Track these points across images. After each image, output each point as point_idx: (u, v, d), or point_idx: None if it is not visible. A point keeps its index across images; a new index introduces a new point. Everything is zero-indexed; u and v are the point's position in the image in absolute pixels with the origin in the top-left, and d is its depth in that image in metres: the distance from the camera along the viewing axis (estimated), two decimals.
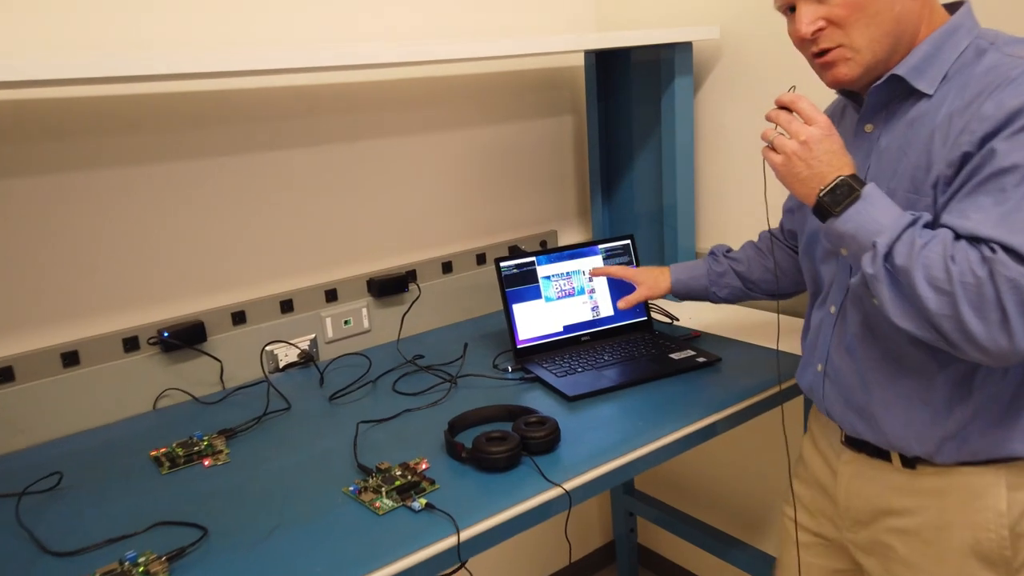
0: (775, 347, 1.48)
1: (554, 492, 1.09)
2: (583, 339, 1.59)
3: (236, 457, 1.23)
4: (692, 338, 1.60)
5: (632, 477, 1.20)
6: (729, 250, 1.47)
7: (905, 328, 0.92)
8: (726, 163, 1.84)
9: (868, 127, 1.06)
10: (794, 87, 1.03)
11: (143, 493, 1.14)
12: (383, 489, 1.08)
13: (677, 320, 1.71)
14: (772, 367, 1.42)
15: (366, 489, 1.09)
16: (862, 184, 0.95)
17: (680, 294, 1.48)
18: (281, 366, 1.60)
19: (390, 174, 1.75)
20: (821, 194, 0.97)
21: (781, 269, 1.37)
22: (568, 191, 2.09)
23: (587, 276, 1.61)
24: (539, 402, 1.35)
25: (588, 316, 1.60)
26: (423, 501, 1.04)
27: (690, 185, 1.84)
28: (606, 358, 1.49)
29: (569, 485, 1.10)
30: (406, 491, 1.07)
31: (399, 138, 1.75)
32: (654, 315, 1.72)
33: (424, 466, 1.14)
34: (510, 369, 1.50)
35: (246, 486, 1.14)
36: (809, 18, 0.99)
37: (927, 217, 0.93)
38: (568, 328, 1.58)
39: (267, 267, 1.60)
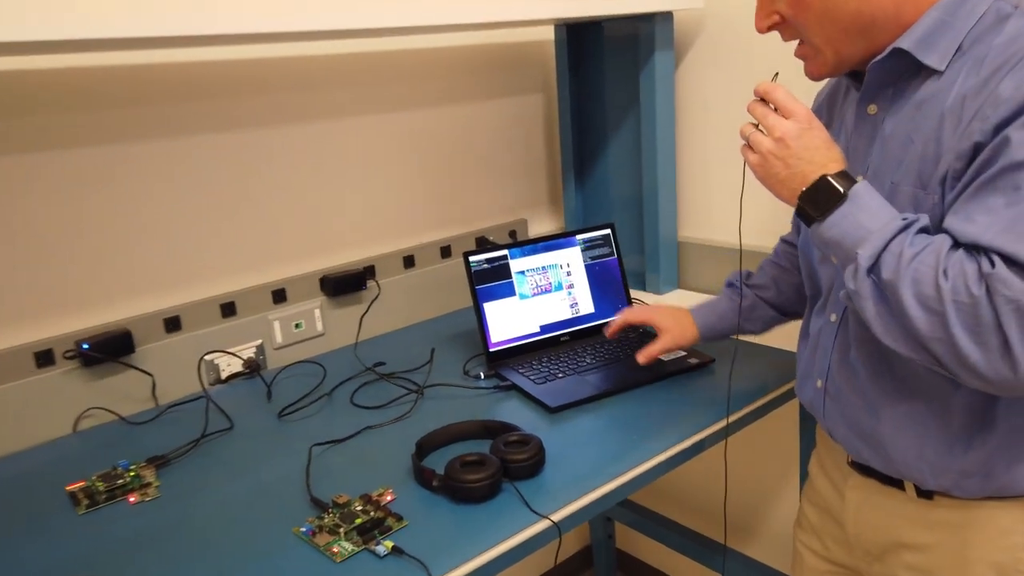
0: (775, 345, 1.35)
1: (541, 525, 0.94)
2: (562, 339, 1.44)
3: (168, 491, 1.06)
4: None
5: (625, 498, 1.06)
6: (749, 275, 1.26)
7: (896, 350, 0.80)
8: (710, 144, 1.70)
9: (871, 108, 0.92)
10: (777, 74, 0.91)
11: (54, 539, 0.96)
12: (341, 529, 0.91)
13: None
14: (771, 368, 1.29)
15: (321, 529, 0.92)
16: (851, 182, 0.82)
17: (709, 340, 1.27)
18: (224, 377, 1.42)
19: (345, 158, 1.57)
20: (801, 196, 0.84)
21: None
22: (539, 176, 1.93)
23: (566, 271, 1.46)
24: (517, 414, 1.20)
25: (567, 314, 1.45)
26: (389, 544, 0.88)
27: (671, 168, 1.70)
28: (588, 361, 1.35)
29: (558, 516, 0.95)
30: (368, 531, 0.91)
31: (355, 118, 1.57)
32: None
33: (389, 498, 0.98)
34: (483, 376, 1.34)
35: (178, 528, 0.97)
36: (763, 12, 0.91)
37: (923, 221, 0.80)
38: (545, 328, 1.43)
39: (205, 265, 1.42)
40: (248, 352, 1.46)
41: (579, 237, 1.48)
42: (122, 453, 1.17)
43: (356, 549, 0.88)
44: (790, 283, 1.21)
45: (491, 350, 1.38)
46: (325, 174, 1.55)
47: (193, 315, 1.39)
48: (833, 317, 0.97)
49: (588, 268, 1.48)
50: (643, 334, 1.45)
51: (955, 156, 0.79)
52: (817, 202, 0.83)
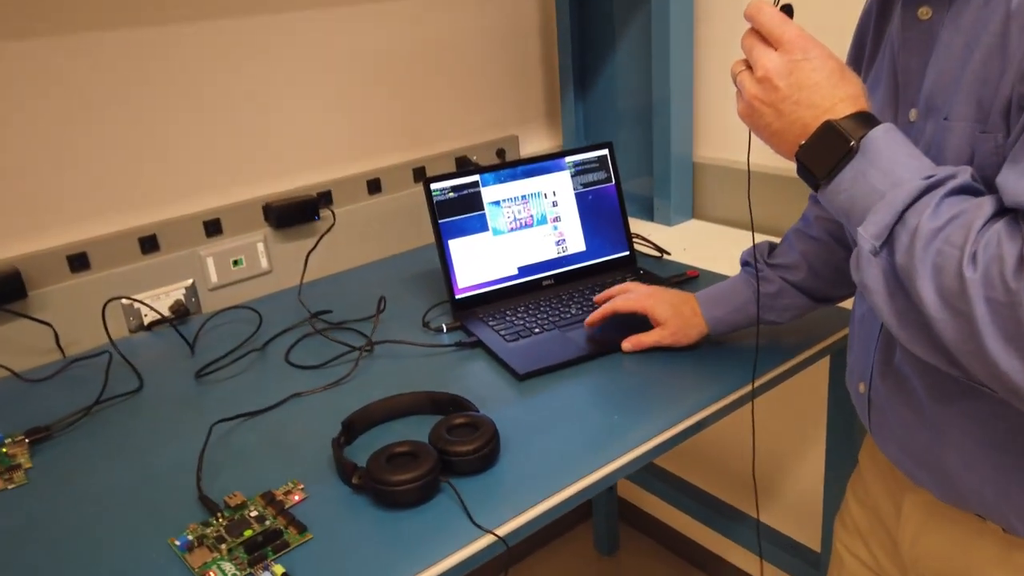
0: None
1: (485, 540, 0.73)
2: (545, 284, 1.20)
3: (38, 476, 0.86)
4: (687, 280, 1.21)
5: (600, 492, 0.85)
6: (772, 249, 0.98)
7: (929, 362, 0.58)
8: (736, 45, 1.40)
9: (923, 11, 0.65)
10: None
11: None
12: (224, 545, 0.71)
13: (668, 254, 1.32)
14: (797, 322, 1.04)
15: (201, 542, 0.72)
16: (866, 128, 0.58)
17: (721, 335, 1.01)
18: (147, 323, 1.21)
19: (297, 59, 1.30)
20: (800, 152, 0.61)
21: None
22: (532, 85, 1.64)
23: (551, 201, 1.20)
24: (480, 380, 0.98)
25: (552, 253, 1.21)
26: (278, 570, 0.67)
27: (688, 74, 1.41)
28: (574, 312, 1.11)
29: (506, 528, 0.74)
30: (260, 546, 0.70)
31: (311, 11, 1.29)
32: (639, 247, 1.33)
33: (296, 498, 0.77)
34: (445, 329, 1.12)
35: (29, 530, 0.77)
36: None
37: (962, 177, 0.56)
38: (524, 270, 1.19)
39: (117, 192, 1.18)
40: (176, 294, 1.24)
41: (568, 160, 1.22)
42: (3, 419, 0.97)
43: (238, 575, 0.68)
44: (826, 260, 0.92)
45: (457, 297, 1.15)
46: (272, 78, 1.28)
47: (104, 251, 1.17)
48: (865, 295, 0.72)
49: (579, 197, 1.22)
50: (640, 275, 1.20)
51: (1022, 75, 0.54)
52: (820, 158, 0.60)
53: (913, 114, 0.66)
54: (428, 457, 0.76)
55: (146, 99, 1.17)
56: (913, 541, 0.77)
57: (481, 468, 0.79)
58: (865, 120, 0.59)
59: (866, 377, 0.74)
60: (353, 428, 0.87)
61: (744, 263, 0.99)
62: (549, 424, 0.87)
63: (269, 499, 0.77)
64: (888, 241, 0.56)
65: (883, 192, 0.56)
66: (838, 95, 0.60)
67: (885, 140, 0.57)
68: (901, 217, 0.55)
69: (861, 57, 0.79)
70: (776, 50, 0.62)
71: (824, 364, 1.26)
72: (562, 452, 0.83)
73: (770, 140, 0.64)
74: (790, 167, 1.15)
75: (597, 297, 1.08)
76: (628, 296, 1.01)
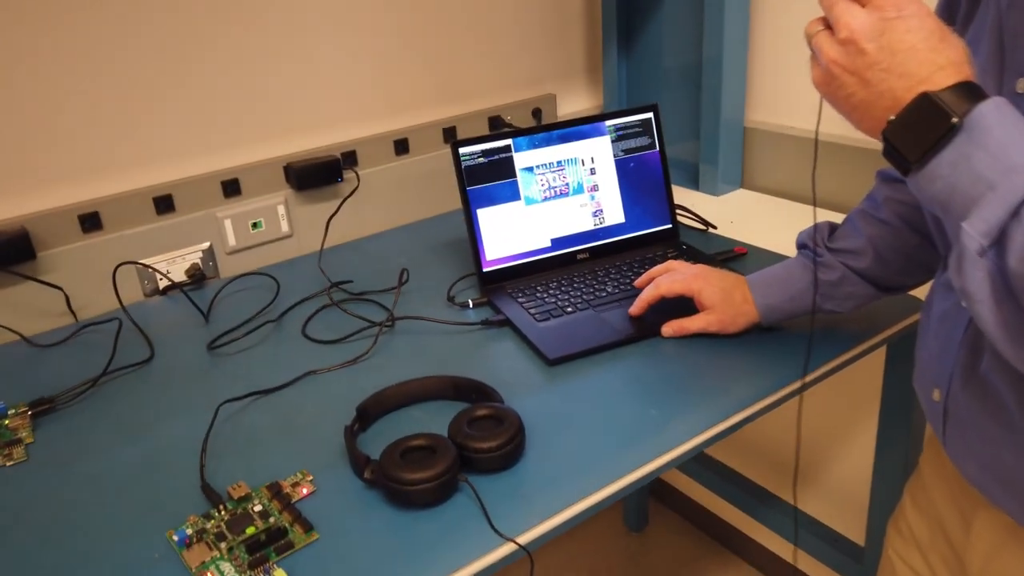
0: None
1: (505, 548, 0.66)
2: (580, 258, 1.12)
3: (39, 451, 0.82)
4: (735, 257, 1.12)
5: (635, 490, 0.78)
6: (832, 231, 0.87)
7: None
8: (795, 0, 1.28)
9: None
10: None
11: None
12: (224, 544, 0.66)
13: (715, 228, 1.23)
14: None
15: (201, 537, 0.67)
16: (972, 102, 0.48)
17: (773, 324, 0.91)
18: (162, 287, 1.16)
19: (321, 8, 1.22)
20: (888, 129, 0.51)
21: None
22: (572, 39, 1.54)
23: (589, 168, 1.11)
24: (505, 362, 0.91)
25: (588, 225, 1.12)
26: (280, 575, 0.62)
27: (743, 29, 1.29)
28: (610, 290, 1.03)
29: (529, 536, 0.67)
30: (263, 546, 0.65)
31: None
32: (683, 219, 1.24)
33: (305, 491, 0.72)
34: (471, 304, 1.05)
35: (26, 512, 0.73)
36: None
37: None
38: (558, 243, 1.11)
39: (132, 149, 1.12)
40: (193, 256, 1.18)
41: (609, 123, 1.12)
42: (10, 387, 0.93)
43: None
44: (896, 247, 0.82)
45: (485, 271, 1.07)
46: (294, 28, 1.20)
47: (117, 211, 1.11)
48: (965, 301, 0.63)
49: (619, 165, 1.13)
50: (683, 250, 1.11)
51: None
52: (913, 137, 0.50)
53: (1021, 84, 0.56)
54: (446, 453, 0.70)
55: (160, 49, 1.10)
56: (985, 563, 0.69)
57: (504, 466, 0.73)
58: (970, 92, 0.49)
59: (943, 384, 0.66)
60: (368, 414, 0.81)
61: (801, 246, 0.90)
62: (579, 416, 0.80)
63: (275, 491, 0.71)
64: (999, 240, 0.47)
65: (992, 181, 0.47)
66: (938, 61, 0.50)
67: (996, 117, 0.48)
68: (1017, 212, 0.46)
69: (954, 14, 0.68)
70: (863, 6, 0.52)
71: (880, 350, 1.16)
72: (592, 449, 0.76)
73: (851, 114, 0.54)
74: (856, 135, 1.05)
75: (638, 281, 0.99)
76: (674, 277, 0.93)
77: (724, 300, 0.89)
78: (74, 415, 0.88)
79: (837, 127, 1.16)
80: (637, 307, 0.94)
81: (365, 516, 0.69)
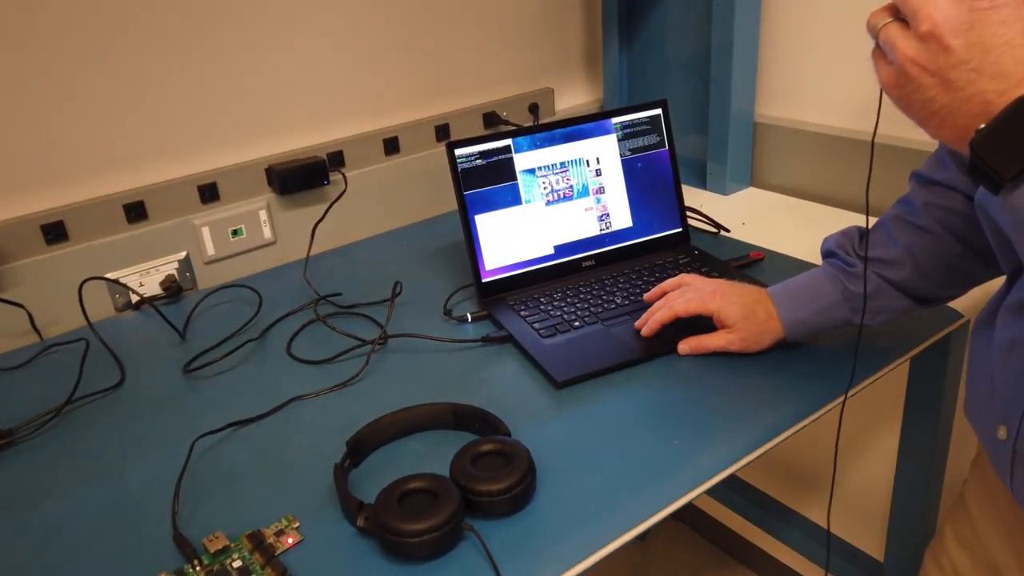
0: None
1: None
2: (585, 265, 1.04)
3: None
4: (751, 263, 1.05)
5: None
6: (862, 235, 0.80)
7: None
8: None
9: None
10: None
11: None
12: None
13: (728, 231, 1.15)
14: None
15: None
16: None
17: (799, 339, 0.84)
18: (135, 301, 1.08)
19: (302, 0, 1.13)
20: (977, 141, 0.44)
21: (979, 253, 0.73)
22: (570, 29, 1.45)
23: (594, 169, 1.03)
24: (509, 385, 0.83)
25: (594, 230, 1.04)
26: None
27: (755, 17, 1.22)
28: (619, 301, 0.96)
29: None
30: None
31: None
32: (694, 222, 1.16)
33: (290, 541, 0.64)
34: (470, 319, 0.97)
35: None
36: None
37: None
38: (562, 249, 1.03)
39: (99, 151, 1.04)
40: (169, 268, 1.10)
41: (615, 121, 1.04)
42: None
43: None
44: (937, 256, 0.74)
45: (484, 281, 0.99)
46: (274, 21, 1.12)
47: (84, 220, 1.03)
48: None
49: (626, 165, 1.05)
50: (694, 256, 1.04)
51: None
52: (1009, 150, 0.43)
53: None
54: (449, 498, 0.62)
55: (130, 45, 1.01)
56: None
57: (513, 510, 0.65)
58: None
59: (1013, 421, 0.59)
60: (360, 448, 0.73)
61: (829, 253, 0.82)
62: (593, 449, 0.73)
63: (257, 542, 0.64)
64: None
65: None
66: None
67: None
68: None
69: None
70: None
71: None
72: (610, 488, 0.68)
73: (927, 120, 0.47)
74: (870, 130, 0.97)
75: (648, 295, 0.92)
76: (688, 295, 0.85)
77: (746, 317, 0.82)
78: (34, 449, 0.80)
79: (847, 121, 1.07)
80: (650, 329, 0.86)
81: (357, 569, 0.61)
